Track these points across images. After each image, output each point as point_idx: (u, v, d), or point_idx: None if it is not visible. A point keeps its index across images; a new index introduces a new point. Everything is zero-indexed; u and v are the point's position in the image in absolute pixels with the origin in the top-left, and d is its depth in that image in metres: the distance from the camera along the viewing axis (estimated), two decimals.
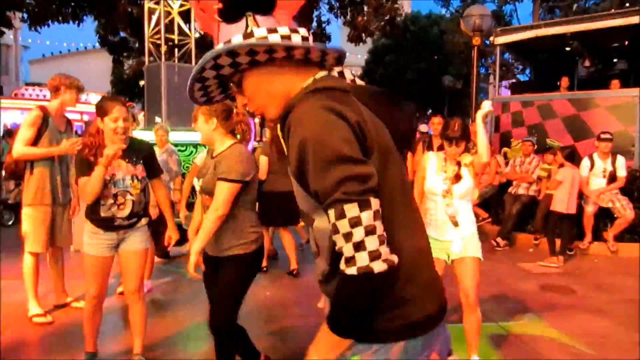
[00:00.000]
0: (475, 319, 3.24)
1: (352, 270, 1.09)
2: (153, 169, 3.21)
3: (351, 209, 1.08)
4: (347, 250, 1.10)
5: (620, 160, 6.71)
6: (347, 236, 1.09)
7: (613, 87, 9.16)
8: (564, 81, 9.72)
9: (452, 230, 3.21)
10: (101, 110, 2.98)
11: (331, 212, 1.11)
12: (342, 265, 1.12)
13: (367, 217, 1.09)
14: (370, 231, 1.08)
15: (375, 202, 1.12)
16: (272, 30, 1.21)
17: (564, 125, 8.48)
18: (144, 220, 3.18)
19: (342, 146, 1.12)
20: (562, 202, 6.29)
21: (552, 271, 5.89)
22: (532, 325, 4.14)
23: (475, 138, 3.40)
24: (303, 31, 1.25)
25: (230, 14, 1.24)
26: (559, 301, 4.80)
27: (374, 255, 1.09)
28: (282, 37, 1.21)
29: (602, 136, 6.75)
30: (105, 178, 2.93)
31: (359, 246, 1.08)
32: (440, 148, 5.77)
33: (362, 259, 1.08)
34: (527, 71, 17.95)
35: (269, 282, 5.17)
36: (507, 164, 8.14)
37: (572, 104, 8.47)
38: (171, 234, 3.27)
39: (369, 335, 1.21)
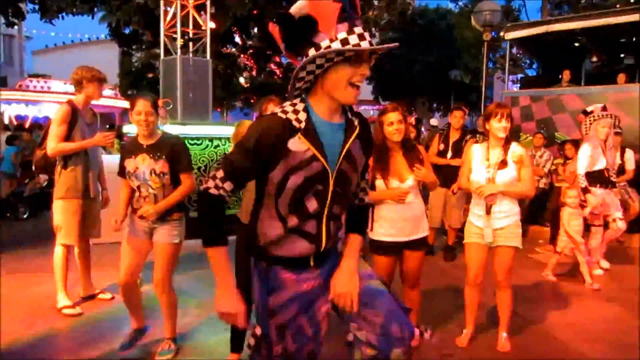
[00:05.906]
0: (505, 297, 3.49)
1: None
2: (179, 164, 3.15)
3: None
4: None
5: (629, 153, 6.77)
6: None
7: (619, 82, 9.24)
8: (566, 74, 9.68)
9: (484, 218, 3.34)
10: (130, 104, 3.20)
11: None
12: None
13: None
14: None
15: None
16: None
17: (572, 119, 8.55)
18: (175, 215, 3.20)
19: None
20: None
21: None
22: (546, 312, 4.27)
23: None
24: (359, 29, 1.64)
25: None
26: (572, 290, 4.95)
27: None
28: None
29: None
30: (129, 170, 3.15)
31: None
32: (457, 142, 5.84)
33: None
34: (535, 66, 17.98)
35: None
36: None
37: (581, 98, 8.52)
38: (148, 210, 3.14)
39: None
